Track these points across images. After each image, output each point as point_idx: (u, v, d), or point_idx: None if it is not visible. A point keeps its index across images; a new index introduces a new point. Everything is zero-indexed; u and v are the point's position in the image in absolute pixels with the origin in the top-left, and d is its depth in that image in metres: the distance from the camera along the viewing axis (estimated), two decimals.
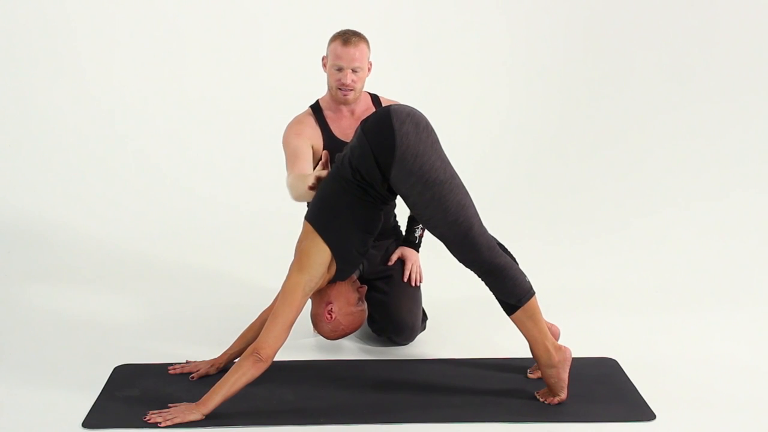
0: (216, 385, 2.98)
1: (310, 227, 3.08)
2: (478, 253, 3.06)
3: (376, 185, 3.03)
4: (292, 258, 3.11)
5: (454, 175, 3.05)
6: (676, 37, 6.18)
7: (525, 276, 3.12)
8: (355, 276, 3.26)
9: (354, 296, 3.20)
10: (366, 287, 3.26)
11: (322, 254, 3.05)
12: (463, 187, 3.08)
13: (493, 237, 3.20)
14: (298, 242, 3.12)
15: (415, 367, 3.47)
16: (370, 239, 3.14)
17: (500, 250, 3.11)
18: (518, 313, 3.09)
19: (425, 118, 3.07)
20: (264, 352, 2.95)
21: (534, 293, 3.11)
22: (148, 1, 6.10)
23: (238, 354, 3.32)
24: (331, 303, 3.17)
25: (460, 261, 3.13)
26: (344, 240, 3.06)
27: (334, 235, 3.04)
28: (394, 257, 3.81)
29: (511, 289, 3.08)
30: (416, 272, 3.79)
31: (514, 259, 3.23)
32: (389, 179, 3.02)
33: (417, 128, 3.01)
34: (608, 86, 6.24)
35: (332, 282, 3.17)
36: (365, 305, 3.26)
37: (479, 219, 3.09)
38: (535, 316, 3.10)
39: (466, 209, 3.04)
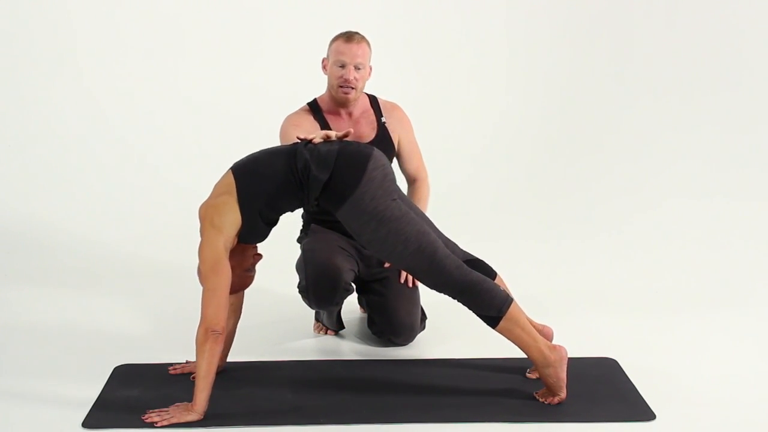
0: (196, 381, 2.98)
1: (231, 180, 3.10)
2: (448, 274, 3.07)
3: (310, 192, 3.07)
4: (207, 206, 3.10)
5: (409, 210, 3.11)
6: (675, 38, 6.18)
7: (499, 287, 3.12)
8: (257, 246, 3.27)
9: (248, 261, 3.21)
10: (262, 255, 3.28)
11: (233, 214, 3.06)
12: (425, 217, 3.15)
13: (463, 254, 3.24)
14: (214, 189, 3.13)
15: (415, 367, 3.47)
16: (277, 217, 3.16)
17: (468, 268, 3.12)
18: (502, 323, 3.08)
19: (393, 172, 3.17)
20: (219, 326, 2.95)
21: (513, 299, 3.10)
22: (148, 2, 6.10)
23: (229, 348, 3.35)
24: None
25: (432, 287, 3.15)
26: (256, 208, 3.07)
27: (249, 198, 3.06)
28: None
29: (489, 302, 3.07)
30: None
31: (492, 270, 3.25)
32: (336, 211, 3.07)
33: (384, 178, 3.09)
34: (605, 86, 6.24)
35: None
36: (254, 272, 3.27)
37: (443, 242, 3.14)
38: (520, 321, 3.09)
39: (426, 236, 3.07)
